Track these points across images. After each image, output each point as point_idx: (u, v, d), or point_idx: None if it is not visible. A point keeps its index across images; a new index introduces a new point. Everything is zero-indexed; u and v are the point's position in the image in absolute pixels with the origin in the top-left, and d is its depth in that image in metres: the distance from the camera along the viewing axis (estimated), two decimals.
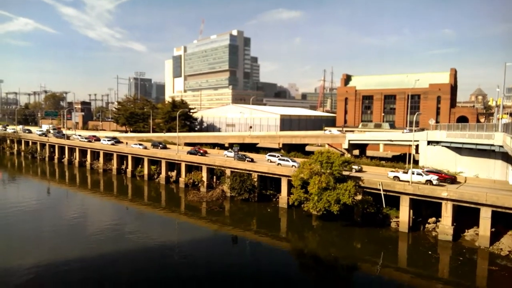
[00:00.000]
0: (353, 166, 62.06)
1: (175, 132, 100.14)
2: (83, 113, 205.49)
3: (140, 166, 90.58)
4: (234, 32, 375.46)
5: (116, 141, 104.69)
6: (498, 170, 58.49)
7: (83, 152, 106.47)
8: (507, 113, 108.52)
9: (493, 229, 45.49)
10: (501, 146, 52.38)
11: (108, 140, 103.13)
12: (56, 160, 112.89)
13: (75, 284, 36.08)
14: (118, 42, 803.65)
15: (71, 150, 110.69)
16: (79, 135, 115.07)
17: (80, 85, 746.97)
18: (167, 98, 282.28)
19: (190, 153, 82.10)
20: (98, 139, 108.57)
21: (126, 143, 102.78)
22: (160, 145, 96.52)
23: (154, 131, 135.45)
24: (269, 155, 74.37)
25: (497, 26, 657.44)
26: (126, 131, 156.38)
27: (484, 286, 38.12)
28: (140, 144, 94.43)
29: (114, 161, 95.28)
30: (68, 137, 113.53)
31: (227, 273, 39.33)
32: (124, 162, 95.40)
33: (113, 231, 51.96)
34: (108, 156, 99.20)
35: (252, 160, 73.01)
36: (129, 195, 77.50)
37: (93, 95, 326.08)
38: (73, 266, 39.58)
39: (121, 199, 73.55)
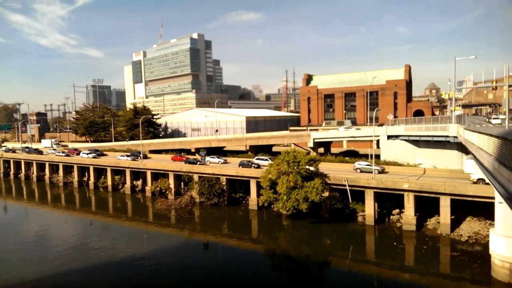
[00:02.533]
0: (375, 167, 57.52)
1: (139, 139, 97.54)
2: (39, 125, 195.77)
3: (103, 177, 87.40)
4: (195, 36, 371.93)
5: (99, 153, 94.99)
6: (454, 160, 61.69)
7: (40, 166, 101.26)
8: (459, 105, 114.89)
9: (453, 217, 47.95)
10: (455, 137, 55.28)
11: (89, 153, 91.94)
12: (12, 176, 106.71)
13: None
14: (73, 49, 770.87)
15: (28, 164, 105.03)
16: (54, 149, 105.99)
17: (34, 95, 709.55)
18: (129, 105, 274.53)
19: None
20: (78, 153, 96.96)
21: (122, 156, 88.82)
22: (141, 155, 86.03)
23: (116, 140, 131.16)
24: (257, 159, 70.55)
25: (448, 21, 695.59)
26: (86, 141, 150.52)
27: (448, 271, 40.07)
28: (128, 156, 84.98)
29: (75, 173, 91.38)
30: (40, 152, 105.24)
31: (200, 280, 38.70)
32: (86, 173, 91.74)
33: (78, 247, 49.70)
34: (68, 168, 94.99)
35: (258, 166, 67.09)
36: (92, 208, 74.48)
37: (49, 105, 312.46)
38: (40, 283, 37.58)
39: (84, 213, 70.49)
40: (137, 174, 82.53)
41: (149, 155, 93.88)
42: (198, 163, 73.83)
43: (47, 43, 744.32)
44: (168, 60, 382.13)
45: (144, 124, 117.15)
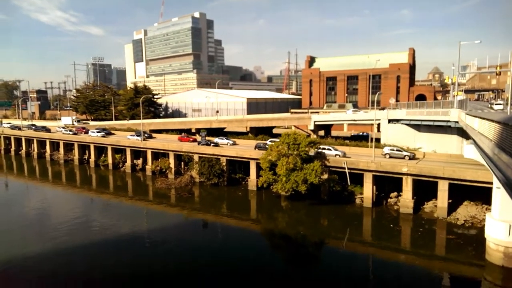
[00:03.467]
0: (405, 153, 58.32)
1: (139, 119, 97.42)
2: (39, 103, 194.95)
3: (103, 155, 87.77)
4: (196, 15, 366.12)
5: (107, 132, 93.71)
6: (454, 144, 61.76)
7: (41, 143, 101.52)
8: (462, 90, 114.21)
9: (450, 201, 48.40)
10: (457, 122, 55.19)
11: (97, 132, 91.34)
12: (12, 153, 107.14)
13: (46, 278, 34.91)
14: (73, 26, 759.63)
15: (29, 141, 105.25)
16: (62, 127, 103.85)
17: (35, 73, 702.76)
18: (129, 84, 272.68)
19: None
20: (86, 132, 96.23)
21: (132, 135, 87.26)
22: (146, 135, 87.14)
23: (117, 119, 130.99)
24: (271, 141, 66.40)
25: (453, 5, 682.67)
26: (87, 120, 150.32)
27: (443, 254, 40.69)
28: (138, 135, 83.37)
29: (76, 151, 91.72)
30: (48, 130, 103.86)
31: (199, 258, 39.45)
32: (86, 151, 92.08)
33: (80, 224, 50.34)
34: (68, 146, 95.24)
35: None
36: (93, 186, 75.17)
37: (49, 83, 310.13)
38: (42, 260, 38.26)
39: (85, 190, 71.18)
40: (138, 153, 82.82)
41: (153, 135, 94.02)
42: (212, 144, 72.92)
43: (47, 20, 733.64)
44: (170, 39, 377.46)
45: (144, 103, 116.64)
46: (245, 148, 68.94)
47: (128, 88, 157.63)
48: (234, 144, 76.51)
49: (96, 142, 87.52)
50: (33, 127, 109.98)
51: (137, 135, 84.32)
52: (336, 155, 58.13)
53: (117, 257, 39.43)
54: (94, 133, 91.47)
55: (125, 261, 38.46)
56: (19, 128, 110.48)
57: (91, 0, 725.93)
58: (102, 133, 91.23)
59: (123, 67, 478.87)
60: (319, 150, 58.31)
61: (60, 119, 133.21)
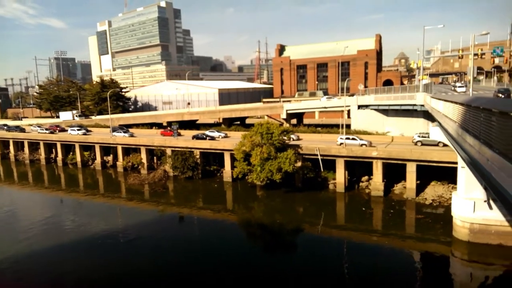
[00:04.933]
0: (291, 136, 61.75)
1: (107, 114, 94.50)
2: (0, 100, 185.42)
3: (71, 153, 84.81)
4: (163, 4, 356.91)
5: (87, 130, 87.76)
6: (421, 127, 63.76)
7: (3, 143, 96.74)
8: (427, 74, 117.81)
9: (418, 182, 50.27)
10: (422, 105, 56.96)
11: (78, 130, 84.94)
12: None
13: (20, 284, 33.51)
14: (32, 19, 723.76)
15: None
16: (38, 126, 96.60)
17: None
18: (95, 78, 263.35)
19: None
20: (62, 130, 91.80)
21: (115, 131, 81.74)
22: (123, 130, 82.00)
23: (84, 115, 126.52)
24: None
25: None
26: (52, 117, 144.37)
27: (413, 233, 42.36)
28: (125, 132, 79.19)
29: (42, 150, 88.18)
30: (22, 130, 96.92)
31: (176, 252, 39.13)
32: (53, 150, 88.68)
33: (50, 225, 48.67)
34: (34, 145, 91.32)
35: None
36: (62, 185, 72.65)
37: (10, 79, 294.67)
38: (15, 266, 36.48)
39: (54, 190, 68.66)
40: (107, 150, 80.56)
41: (131, 130, 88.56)
42: (208, 138, 70.10)
43: (3, 13, 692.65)
44: (135, 30, 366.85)
45: (112, 98, 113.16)
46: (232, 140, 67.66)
47: (94, 82, 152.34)
48: (226, 136, 74.05)
49: (63, 140, 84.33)
50: (5, 127, 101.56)
51: (125, 132, 79.55)
52: (362, 144, 54.54)
53: (90, 257, 38.38)
54: (74, 131, 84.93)
55: (98, 260, 37.52)
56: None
57: None
58: (83, 131, 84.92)
59: (88, 60, 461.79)
60: (345, 140, 55.08)
61: (20, 118, 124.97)
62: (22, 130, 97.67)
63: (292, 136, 63.13)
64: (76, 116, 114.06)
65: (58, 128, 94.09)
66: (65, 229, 47.23)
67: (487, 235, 35.52)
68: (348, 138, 56.31)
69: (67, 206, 60.99)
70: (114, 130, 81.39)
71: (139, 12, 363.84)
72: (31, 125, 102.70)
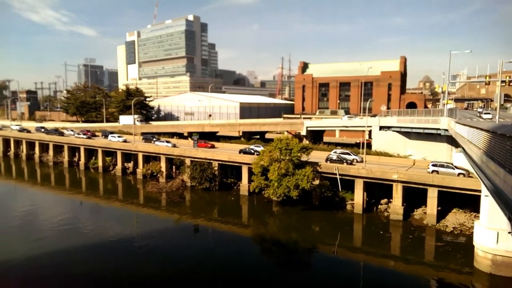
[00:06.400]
0: (355, 157, 60.02)
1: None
2: (28, 103, 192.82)
3: (94, 157, 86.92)
4: (190, 17, 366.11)
5: (124, 139, 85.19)
6: (444, 152, 62.52)
7: (30, 144, 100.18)
8: (452, 99, 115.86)
9: (439, 208, 48.91)
10: (446, 130, 55.95)
11: (118, 137, 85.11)
12: (0, 154, 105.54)
13: (31, 281, 34.31)
14: (65, 26, 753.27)
15: (17, 142, 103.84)
16: (72, 131, 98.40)
17: (25, 72, 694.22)
18: (121, 86, 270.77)
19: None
20: (93, 135, 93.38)
21: (156, 140, 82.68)
22: (154, 138, 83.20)
23: (108, 121, 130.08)
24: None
25: (446, 14, 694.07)
26: (77, 121, 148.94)
27: (432, 261, 41.02)
28: (167, 142, 79.02)
29: (65, 153, 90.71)
30: (61, 133, 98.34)
31: (189, 263, 39.18)
32: (76, 154, 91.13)
33: (68, 227, 49.65)
34: (58, 148, 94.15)
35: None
36: (83, 189, 74.32)
37: (40, 83, 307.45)
38: (28, 264, 37.49)
39: (75, 193, 70.28)
40: (128, 156, 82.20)
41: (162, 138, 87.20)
42: (256, 154, 63.31)
43: (38, 19, 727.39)
44: (163, 41, 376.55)
45: (136, 106, 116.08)
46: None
47: (120, 90, 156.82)
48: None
49: (87, 145, 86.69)
50: (42, 130, 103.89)
51: (167, 142, 79.04)
52: (353, 159, 59.79)
53: (105, 261, 38.92)
54: (115, 138, 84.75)
55: (113, 265, 37.99)
56: (27, 130, 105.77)
57: (83, 0, 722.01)
58: (124, 138, 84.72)
59: (115, 69, 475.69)
60: (339, 154, 60.96)
61: (41, 121, 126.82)
62: (61, 133, 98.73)
63: (356, 157, 60.16)
64: (138, 121, 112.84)
65: (90, 133, 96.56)
66: (81, 231, 48.10)
67: (510, 268, 34.09)
68: (342, 153, 61.91)
69: (85, 209, 62.25)
70: (146, 139, 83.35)
71: (167, 25, 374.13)
72: (56, 128, 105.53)
